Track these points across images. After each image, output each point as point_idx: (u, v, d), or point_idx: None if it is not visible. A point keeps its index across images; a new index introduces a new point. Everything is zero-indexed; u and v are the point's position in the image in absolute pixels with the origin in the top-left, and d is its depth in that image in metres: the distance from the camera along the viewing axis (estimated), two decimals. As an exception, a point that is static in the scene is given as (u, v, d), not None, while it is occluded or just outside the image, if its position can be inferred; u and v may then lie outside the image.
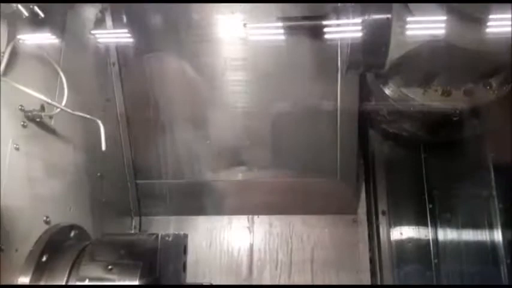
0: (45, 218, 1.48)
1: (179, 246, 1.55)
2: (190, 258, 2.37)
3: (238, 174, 2.42)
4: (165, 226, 2.48)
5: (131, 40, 2.13)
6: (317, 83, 2.24)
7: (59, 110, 1.43)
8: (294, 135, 2.32)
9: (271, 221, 2.45)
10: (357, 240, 2.37)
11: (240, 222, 2.47)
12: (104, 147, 1.45)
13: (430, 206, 2.30)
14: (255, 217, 2.47)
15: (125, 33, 2.16)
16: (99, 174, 1.96)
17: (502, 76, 1.86)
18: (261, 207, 2.45)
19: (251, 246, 2.42)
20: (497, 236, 2.21)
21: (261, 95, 2.27)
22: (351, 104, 2.20)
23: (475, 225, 2.25)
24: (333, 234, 2.39)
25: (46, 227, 1.48)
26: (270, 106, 2.30)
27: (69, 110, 1.39)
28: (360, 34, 1.65)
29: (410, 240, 2.30)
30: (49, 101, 1.31)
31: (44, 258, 1.41)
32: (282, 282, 2.34)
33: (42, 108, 1.46)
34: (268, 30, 2.11)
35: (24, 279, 1.34)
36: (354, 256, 2.35)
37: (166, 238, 1.54)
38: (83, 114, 1.44)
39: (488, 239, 2.23)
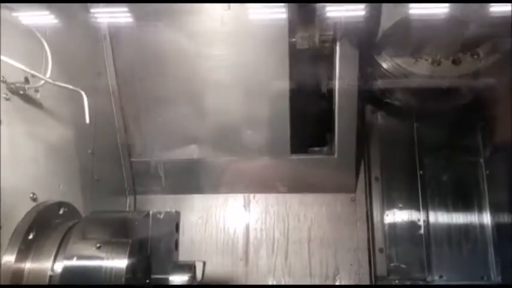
0: (31, 195, 1.43)
1: (171, 223, 1.52)
2: (186, 237, 2.38)
3: (235, 153, 2.37)
4: (160, 205, 2.44)
5: (123, 12, 2.04)
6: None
7: (43, 82, 1.37)
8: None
9: (267, 199, 2.41)
10: (355, 219, 2.34)
11: (236, 201, 2.44)
12: (87, 120, 1.39)
13: (421, 172, 2.45)
14: (251, 196, 2.43)
15: (117, 5, 2.07)
16: (90, 151, 1.90)
17: (489, 46, 1.96)
18: (257, 185, 2.41)
19: (247, 225, 2.39)
20: (484, 200, 2.41)
21: (259, 71, 2.20)
22: (350, 81, 2.13)
23: (463, 190, 2.44)
24: (331, 213, 2.35)
25: (33, 204, 1.43)
26: (267, 82, 2.23)
27: (50, 80, 1.32)
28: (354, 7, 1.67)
29: (401, 203, 2.45)
30: (28, 70, 1.25)
31: (31, 236, 1.37)
32: (279, 262, 2.31)
33: (26, 80, 1.40)
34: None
35: (10, 257, 1.30)
36: (352, 235, 2.31)
37: (158, 215, 1.50)
38: (65, 85, 1.37)
39: (475, 203, 2.42)
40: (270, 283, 2.28)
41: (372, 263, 2.29)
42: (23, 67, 1.24)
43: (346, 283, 2.25)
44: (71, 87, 1.39)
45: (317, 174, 2.33)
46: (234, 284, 2.29)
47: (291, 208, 2.38)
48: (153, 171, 2.40)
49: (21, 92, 1.36)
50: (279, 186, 2.40)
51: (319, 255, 2.30)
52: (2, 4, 1.37)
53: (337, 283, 2.26)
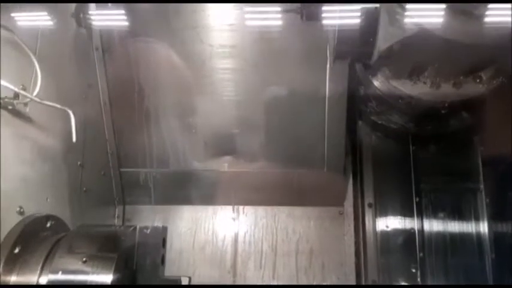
0: (18, 208, 1.43)
1: (157, 239, 1.52)
2: (175, 248, 2.38)
3: (224, 165, 2.38)
4: (149, 215, 2.45)
5: (116, 24, 2.06)
6: (306, 73, 2.20)
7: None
8: (282, 125, 2.27)
9: (256, 212, 2.42)
10: (343, 233, 2.35)
11: (225, 212, 2.45)
12: (74, 139, 1.40)
13: (417, 199, 2.26)
14: (240, 208, 2.44)
15: (109, 16, 2.08)
16: (79, 163, 1.91)
17: (493, 69, 1.83)
18: (246, 198, 2.42)
19: (236, 237, 2.39)
20: (483, 230, 2.20)
21: (249, 84, 2.22)
22: (339, 96, 2.16)
23: (462, 219, 2.23)
24: (319, 226, 2.37)
25: (20, 217, 1.44)
26: (257, 95, 2.25)
27: (37, 100, 1.33)
28: (348, 22, 1.61)
29: (396, 233, 2.26)
30: (16, 89, 1.26)
31: (17, 250, 1.37)
32: (267, 274, 2.32)
33: (16, 95, 1.40)
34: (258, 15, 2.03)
35: (-5, 272, 1.30)
36: (339, 249, 2.33)
37: (144, 230, 1.51)
38: (53, 104, 1.38)
39: (474, 233, 2.21)
40: (258, 296, 2.29)
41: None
42: (12, 87, 1.25)
43: (333, 296, 2.26)
44: (58, 106, 1.40)
45: (306, 188, 2.35)
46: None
47: (279, 221, 2.39)
48: (143, 181, 2.41)
49: (10, 107, 1.37)
50: (268, 198, 2.41)
51: (307, 268, 2.32)
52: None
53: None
